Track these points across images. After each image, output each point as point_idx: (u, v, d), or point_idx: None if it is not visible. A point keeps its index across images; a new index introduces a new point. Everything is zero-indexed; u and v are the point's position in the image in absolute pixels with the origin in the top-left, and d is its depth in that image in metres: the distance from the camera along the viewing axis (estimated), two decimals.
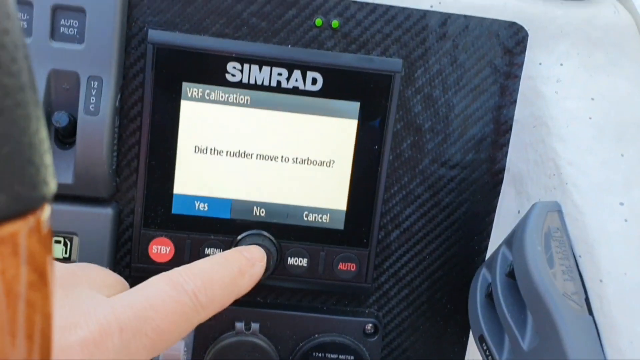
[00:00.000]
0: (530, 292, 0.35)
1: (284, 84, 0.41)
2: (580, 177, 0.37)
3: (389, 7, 0.41)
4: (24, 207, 0.14)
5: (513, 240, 0.38)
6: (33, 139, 0.15)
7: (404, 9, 0.41)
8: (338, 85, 0.41)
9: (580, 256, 0.35)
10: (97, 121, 0.38)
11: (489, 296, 0.40)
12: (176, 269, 0.32)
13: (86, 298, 0.29)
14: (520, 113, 0.43)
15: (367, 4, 0.41)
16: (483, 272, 0.42)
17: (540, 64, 0.42)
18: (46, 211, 0.16)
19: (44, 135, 0.15)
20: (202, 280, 0.32)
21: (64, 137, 0.40)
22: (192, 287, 0.31)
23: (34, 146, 0.15)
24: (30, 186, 0.14)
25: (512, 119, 0.43)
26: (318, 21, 0.41)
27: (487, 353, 0.39)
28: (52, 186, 0.15)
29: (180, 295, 0.31)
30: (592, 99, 0.40)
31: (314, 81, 0.41)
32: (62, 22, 0.38)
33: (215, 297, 0.32)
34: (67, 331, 0.26)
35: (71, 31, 0.38)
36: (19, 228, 0.14)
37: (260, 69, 0.40)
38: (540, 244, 0.36)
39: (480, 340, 0.40)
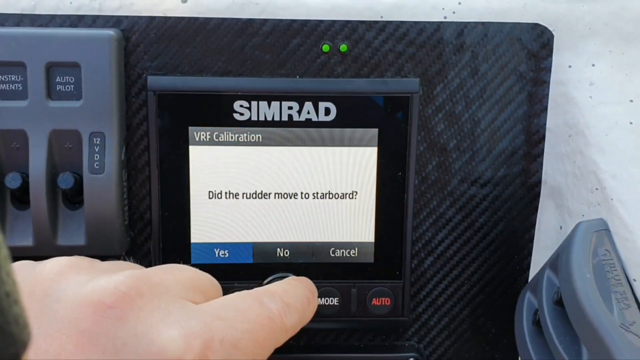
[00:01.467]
0: (582, 324, 0.32)
1: (295, 118, 0.38)
2: (627, 191, 0.34)
3: (400, 24, 0.38)
4: None
5: (558, 265, 0.35)
6: None
7: (415, 23, 0.38)
8: (353, 113, 0.38)
9: (635, 280, 0.32)
10: (103, 179, 0.36)
11: (537, 323, 0.37)
12: (256, 289, 0.32)
13: (178, 309, 0.27)
14: (553, 121, 0.40)
15: (376, 22, 0.38)
16: (528, 297, 0.39)
17: (569, 66, 0.39)
18: None
19: (10, 285, 0.13)
20: (283, 303, 0.32)
21: (72, 197, 0.38)
22: (277, 307, 0.31)
23: None
24: None
25: (544, 127, 0.40)
26: (325, 47, 0.38)
27: None
28: (24, 340, 0.13)
29: (268, 313, 0.30)
30: (631, 101, 0.36)
31: (327, 111, 0.38)
32: (58, 79, 0.36)
33: (294, 323, 0.32)
34: (166, 350, 0.25)
35: (67, 88, 0.36)
36: None
37: (269, 105, 0.38)
38: (589, 270, 0.33)
39: None
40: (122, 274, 0.27)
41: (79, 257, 0.30)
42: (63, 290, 0.27)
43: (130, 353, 0.24)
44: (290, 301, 0.32)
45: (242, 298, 0.30)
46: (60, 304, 0.26)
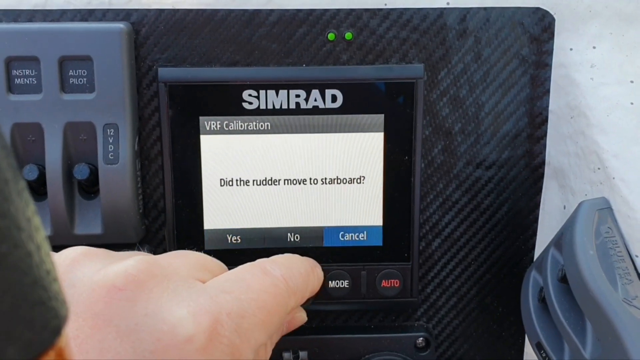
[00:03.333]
0: (586, 300, 0.33)
1: (303, 105, 0.39)
2: (628, 170, 0.34)
3: (403, 11, 0.39)
4: (37, 351, 0.13)
5: (562, 244, 0.36)
6: (37, 275, 0.13)
7: (419, 10, 0.39)
8: (359, 100, 0.39)
9: (637, 256, 0.33)
10: (117, 169, 0.38)
11: (542, 301, 0.38)
12: (259, 260, 0.34)
13: (185, 288, 0.29)
14: (555, 103, 0.40)
15: (380, 10, 0.39)
16: (533, 275, 0.40)
17: (571, 49, 0.39)
18: (63, 339, 0.15)
19: (50, 263, 0.14)
20: (286, 268, 0.33)
21: (88, 188, 0.39)
22: (280, 273, 0.32)
23: (39, 282, 0.13)
24: (40, 327, 0.13)
25: (546, 109, 0.41)
26: (331, 35, 0.39)
27: None
28: (64, 314, 0.14)
29: (273, 280, 0.32)
30: (632, 81, 0.37)
31: (334, 98, 0.39)
32: (71, 72, 0.37)
33: (299, 285, 0.34)
34: (176, 328, 0.26)
35: (80, 81, 0.37)
36: None
37: (277, 93, 0.39)
38: (592, 247, 0.34)
39: (538, 347, 0.38)
40: (132, 259, 0.29)
41: (92, 247, 0.31)
42: (77, 276, 0.28)
43: (143, 332, 0.26)
44: (293, 266, 0.34)
45: (246, 269, 0.32)
46: (75, 289, 0.27)
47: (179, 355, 0.26)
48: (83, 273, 0.28)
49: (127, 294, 0.27)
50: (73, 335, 0.26)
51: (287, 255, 0.36)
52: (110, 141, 0.37)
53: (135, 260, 0.28)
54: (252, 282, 0.31)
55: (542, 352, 0.38)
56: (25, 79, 0.37)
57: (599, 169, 0.36)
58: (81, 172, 0.37)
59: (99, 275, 0.27)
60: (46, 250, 0.14)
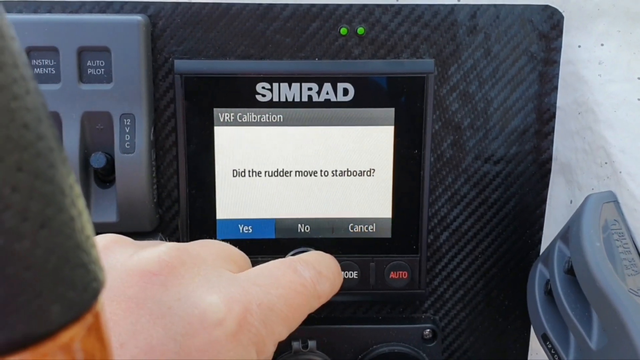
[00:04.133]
0: (593, 290, 0.33)
1: (315, 98, 0.40)
2: (635, 164, 0.35)
3: (415, 7, 0.40)
4: (79, 311, 0.14)
5: (569, 236, 0.36)
6: (79, 239, 0.14)
7: (430, 6, 0.40)
8: (370, 93, 0.40)
9: None
10: (133, 158, 0.38)
11: (549, 293, 0.39)
12: (289, 258, 0.34)
13: (215, 276, 0.29)
14: (563, 100, 0.41)
15: (392, 5, 0.40)
16: (539, 268, 0.40)
17: (579, 46, 0.40)
18: (100, 303, 0.15)
19: (90, 229, 0.15)
20: (316, 271, 0.33)
21: (104, 177, 0.40)
22: (310, 275, 0.33)
23: (81, 246, 0.14)
24: (82, 288, 0.14)
25: (554, 106, 0.42)
26: (343, 30, 0.40)
27: (553, 352, 0.38)
28: (102, 279, 0.15)
29: (301, 280, 0.32)
30: (639, 78, 0.38)
31: (346, 92, 0.40)
32: (89, 63, 0.38)
33: (325, 290, 0.34)
34: (207, 312, 0.27)
35: (98, 71, 0.38)
36: (76, 332, 0.14)
37: (290, 86, 0.40)
38: (599, 239, 0.34)
39: (544, 338, 0.39)
40: (164, 246, 0.29)
41: (121, 235, 0.31)
42: (110, 262, 0.28)
43: (175, 316, 0.26)
44: (322, 270, 0.34)
45: (277, 266, 0.32)
46: (109, 274, 0.28)
47: (209, 339, 0.26)
48: (115, 259, 0.29)
49: (161, 279, 0.27)
50: (107, 317, 0.26)
51: (317, 255, 0.35)
52: (127, 131, 0.38)
53: (167, 247, 0.29)
54: (283, 279, 0.31)
55: (547, 343, 0.39)
56: (44, 69, 0.38)
57: (606, 163, 0.37)
58: (98, 160, 0.38)
59: (132, 260, 0.28)
60: (86, 217, 0.15)
